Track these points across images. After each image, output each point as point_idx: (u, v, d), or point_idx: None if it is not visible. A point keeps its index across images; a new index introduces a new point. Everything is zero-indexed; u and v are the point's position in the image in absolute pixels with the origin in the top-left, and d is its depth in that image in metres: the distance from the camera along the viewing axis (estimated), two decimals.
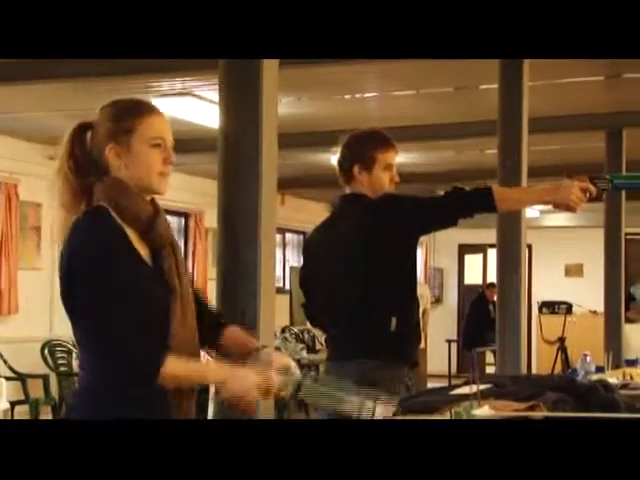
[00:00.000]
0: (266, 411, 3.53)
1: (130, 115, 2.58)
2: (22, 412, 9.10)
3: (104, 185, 2.55)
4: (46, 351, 9.65)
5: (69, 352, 9.65)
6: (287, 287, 14.72)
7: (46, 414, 9.08)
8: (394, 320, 3.68)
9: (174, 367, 2.45)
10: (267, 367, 2.60)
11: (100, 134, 2.58)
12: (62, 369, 9.65)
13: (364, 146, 3.82)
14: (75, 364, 9.48)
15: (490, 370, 12.83)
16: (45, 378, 9.36)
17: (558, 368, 12.54)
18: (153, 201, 2.63)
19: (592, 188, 3.52)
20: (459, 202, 3.69)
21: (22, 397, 9.14)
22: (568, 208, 3.55)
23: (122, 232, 2.50)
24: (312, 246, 4.04)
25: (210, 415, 6.94)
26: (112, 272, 2.44)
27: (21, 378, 9.22)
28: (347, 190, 3.86)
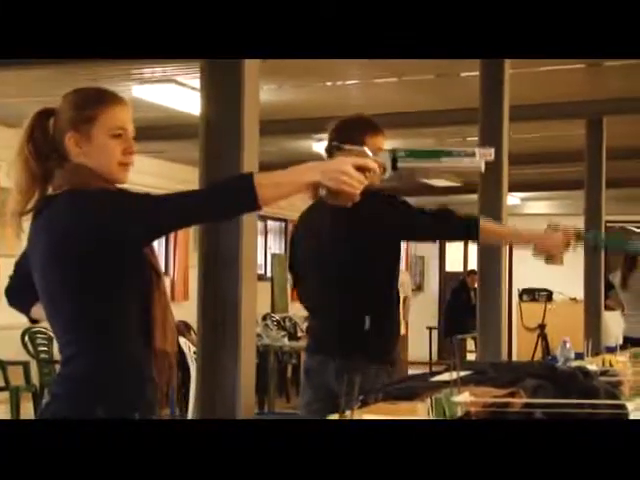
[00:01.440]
0: (248, 395, 3.54)
1: (92, 104, 2.57)
2: (2, 399, 9.08)
3: (65, 171, 2.55)
4: (26, 338, 9.62)
5: (50, 339, 9.62)
6: (269, 274, 14.71)
7: (26, 401, 9.07)
8: (367, 319, 3.68)
9: (266, 179, 2.40)
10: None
11: (61, 121, 2.58)
12: (43, 356, 9.63)
13: (353, 131, 3.82)
14: (56, 351, 9.46)
15: (471, 357, 12.87)
16: (25, 365, 9.35)
17: (538, 355, 12.59)
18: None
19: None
20: (445, 226, 3.73)
21: (2, 384, 9.12)
22: (553, 258, 3.82)
23: (100, 215, 2.51)
24: (299, 231, 4.05)
25: (191, 405, 6.93)
26: (97, 256, 2.44)
27: (1, 365, 9.20)
28: None
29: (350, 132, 3.82)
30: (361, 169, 2.40)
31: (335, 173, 2.37)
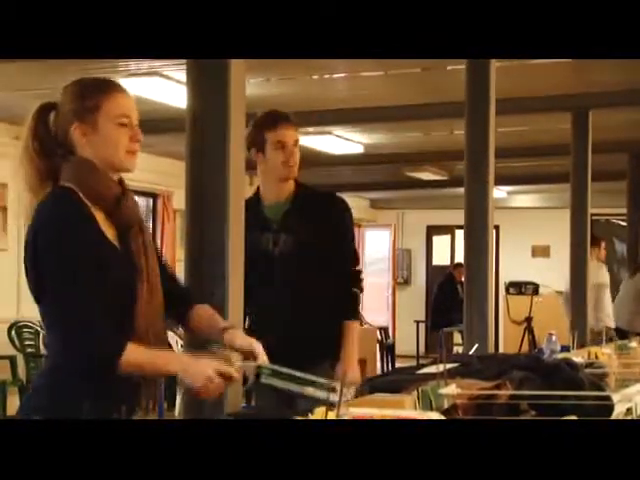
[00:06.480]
0: (235, 389, 3.54)
1: (95, 93, 2.56)
2: None
3: (71, 165, 2.54)
4: (13, 332, 9.60)
5: (36, 333, 9.61)
6: None
7: (13, 395, 9.05)
8: (247, 319, 3.75)
9: (135, 355, 2.44)
10: (231, 350, 2.61)
11: (64, 114, 2.56)
12: (29, 350, 9.61)
13: (254, 129, 3.96)
14: (42, 345, 9.44)
15: (458, 350, 12.90)
16: (12, 359, 9.32)
17: (525, 348, 12.62)
18: (121, 181, 2.62)
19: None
20: None
21: None
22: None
23: (87, 212, 2.49)
24: None
25: (178, 399, 6.92)
26: (76, 253, 2.43)
27: None
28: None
29: (253, 131, 3.94)
30: (223, 375, 2.51)
31: (197, 375, 2.48)
